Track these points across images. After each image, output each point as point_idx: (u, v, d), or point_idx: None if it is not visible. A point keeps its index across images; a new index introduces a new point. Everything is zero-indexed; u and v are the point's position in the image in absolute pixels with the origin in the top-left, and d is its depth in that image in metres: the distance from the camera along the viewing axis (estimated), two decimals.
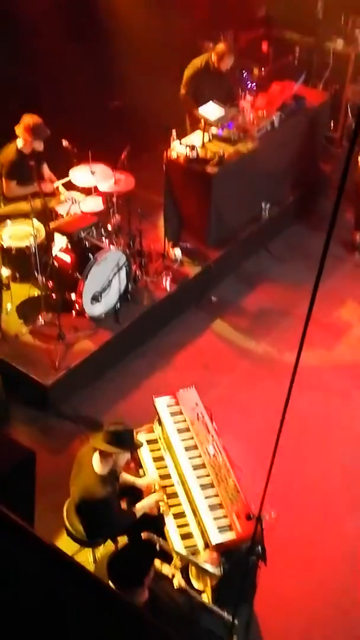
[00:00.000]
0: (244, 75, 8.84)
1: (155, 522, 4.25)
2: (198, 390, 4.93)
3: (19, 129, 5.97)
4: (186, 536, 4.16)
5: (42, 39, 7.36)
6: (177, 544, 4.10)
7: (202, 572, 3.86)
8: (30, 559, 1.67)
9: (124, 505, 4.38)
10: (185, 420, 4.69)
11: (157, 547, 3.92)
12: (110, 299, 6.17)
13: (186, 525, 4.22)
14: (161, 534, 4.16)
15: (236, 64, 7.66)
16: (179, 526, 4.21)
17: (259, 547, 4.02)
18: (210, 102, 6.95)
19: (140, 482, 4.45)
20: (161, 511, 4.28)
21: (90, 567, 4.52)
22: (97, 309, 6.10)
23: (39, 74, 7.39)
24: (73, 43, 7.53)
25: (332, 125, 8.98)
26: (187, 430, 4.64)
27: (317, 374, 6.05)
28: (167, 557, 4.07)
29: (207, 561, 3.81)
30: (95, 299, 6.01)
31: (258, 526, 3.90)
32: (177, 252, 6.83)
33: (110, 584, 3.27)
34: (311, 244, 7.62)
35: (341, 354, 6.51)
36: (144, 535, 3.92)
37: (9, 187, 6.08)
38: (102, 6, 7.73)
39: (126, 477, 4.44)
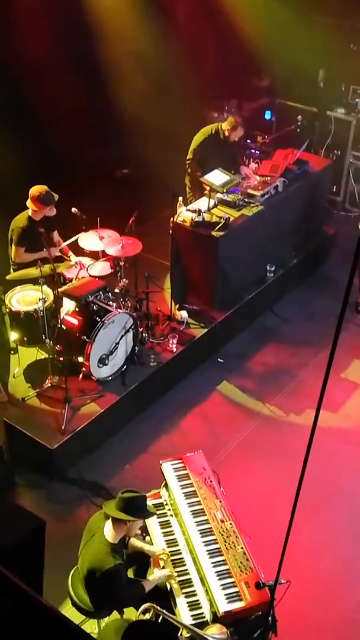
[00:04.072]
0: (248, 142, 9.12)
1: (162, 593, 4.14)
2: (205, 453, 4.90)
3: (28, 202, 6.15)
4: (194, 605, 4.06)
5: (51, 109, 7.65)
6: (184, 614, 4.00)
7: None
8: (40, 629, 1.65)
9: (131, 574, 4.28)
10: (192, 485, 4.65)
11: (160, 619, 3.79)
12: (117, 362, 6.20)
13: (194, 594, 4.12)
14: (168, 604, 4.05)
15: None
16: (185, 595, 4.11)
17: (270, 618, 3.92)
18: (216, 169, 7.14)
19: (148, 548, 4.35)
20: (171, 588, 4.14)
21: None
22: (103, 372, 6.12)
23: (50, 145, 7.65)
24: (81, 113, 7.82)
25: (334, 188, 9.20)
26: (195, 495, 4.59)
27: (325, 436, 5.98)
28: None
29: (215, 634, 3.69)
30: (102, 361, 6.04)
31: (268, 595, 3.83)
32: (183, 314, 6.89)
33: None
34: (315, 305, 7.69)
35: (348, 416, 6.46)
36: (145, 605, 3.79)
37: (18, 253, 6.21)
38: (108, 77, 8.05)
39: (135, 542, 4.35)
